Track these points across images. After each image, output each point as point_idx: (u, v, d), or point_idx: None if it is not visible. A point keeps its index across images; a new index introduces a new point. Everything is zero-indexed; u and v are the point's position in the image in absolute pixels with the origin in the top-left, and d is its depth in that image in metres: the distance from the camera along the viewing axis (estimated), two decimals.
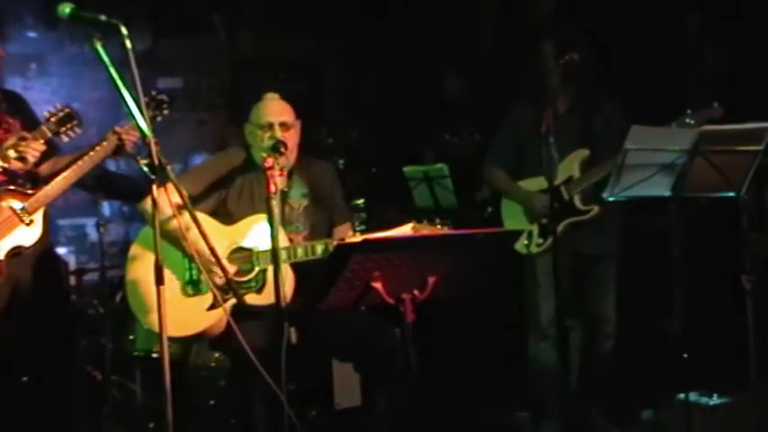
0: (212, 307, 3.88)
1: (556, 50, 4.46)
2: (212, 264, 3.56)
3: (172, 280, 3.88)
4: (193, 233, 3.32)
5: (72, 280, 5.27)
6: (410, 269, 3.26)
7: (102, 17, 3.05)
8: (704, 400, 4.15)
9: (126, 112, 3.10)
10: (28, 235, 4.05)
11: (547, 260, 4.52)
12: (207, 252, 3.41)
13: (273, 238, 3.50)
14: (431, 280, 3.30)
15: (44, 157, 4.12)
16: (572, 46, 4.36)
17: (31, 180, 4.17)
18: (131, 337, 4.98)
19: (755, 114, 3.93)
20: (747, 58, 5.57)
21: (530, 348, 4.72)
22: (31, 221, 4.04)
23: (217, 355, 4.76)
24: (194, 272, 3.94)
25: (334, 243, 3.86)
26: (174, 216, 3.27)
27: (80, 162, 4.06)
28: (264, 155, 3.79)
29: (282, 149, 3.85)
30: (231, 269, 3.84)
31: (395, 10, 7.25)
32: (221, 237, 3.90)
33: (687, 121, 4.12)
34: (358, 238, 3.75)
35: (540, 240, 4.59)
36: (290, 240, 3.98)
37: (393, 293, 3.27)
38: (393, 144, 6.91)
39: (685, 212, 4.06)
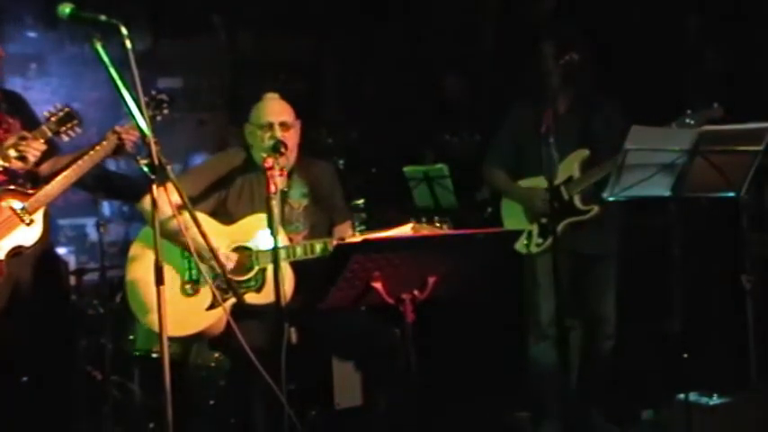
0: (212, 306, 3.88)
1: (556, 50, 4.47)
2: (212, 262, 3.56)
3: (171, 280, 3.88)
4: (193, 232, 3.33)
5: (72, 280, 5.27)
6: (410, 269, 3.26)
7: (102, 17, 3.06)
8: (704, 400, 4.15)
9: (126, 112, 3.10)
10: (28, 235, 4.05)
11: (547, 260, 4.52)
12: (207, 250, 3.42)
13: (273, 238, 3.50)
14: (431, 280, 3.30)
15: (44, 156, 4.12)
16: (572, 46, 4.36)
17: (32, 180, 4.17)
18: (131, 337, 4.99)
19: (755, 114, 3.93)
20: (747, 58, 5.57)
21: (530, 348, 4.72)
22: (32, 221, 4.04)
23: (216, 354, 4.76)
24: (194, 271, 3.95)
25: (334, 242, 3.86)
26: (173, 216, 3.27)
27: (80, 162, 4.06)
28: (264, 155, 3.79)
29: (282, 149, 3.85)
30: (233, 259, 3.85)
31: (395, 10, 7.26)
32: (221, 237, 3.90)
33: (687, 121, 4.13)
34: (358, 238, 3.76)
35: (540, 240, 4.59)
36: (290, 240, 3.98)
37: (393, 293, 3.27)
38: (393, 144, 6.91)
39: (685, 212, 4.06)
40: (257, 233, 3.93)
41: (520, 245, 4.58)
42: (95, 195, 4.94)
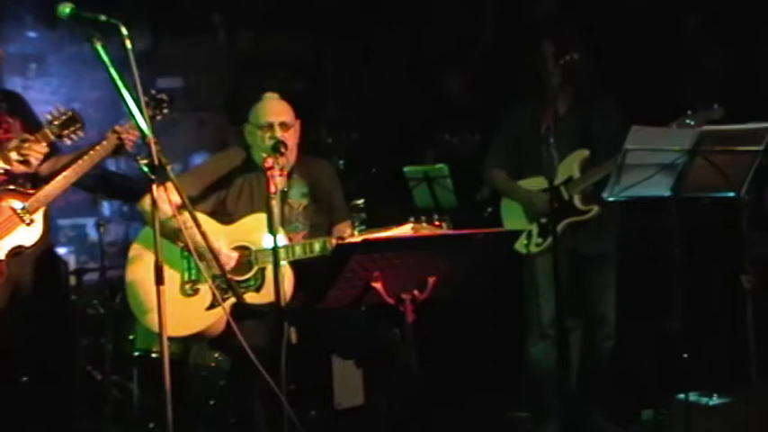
0: (211, 306, 3.88)
1: (556, 50, 4.47)
2: (211, 261, 3.57)
3: (171, 280, 3.88)
4: (193, 232, 3.33)
5: (72, 280, 5.27)
6: (410, 269, 3.26)
7: (102, 17, 3.06)
8: (704, 400, 4.14)
9: (126, 112, 3.11)
10: (28, 235, 4.05)
11: (546, 260, 4.52)
12: (207, 250, 3.42)
13: (273, 238, 3.50)
14: (431, 280, 3.30)
15: (44, 156, 4.12)
16: (572, 46, 4.36)
17: (32, 180, 4.17)
18: (131, 336, 4.99)
19: (755, 114, 3.93)
20: (747, 58, 5.57)
21: (530, 348, 4.72)
22: (32, 221, 4.04)
23: (216, 354, 4.77)
24: (194, 271, 3.94)
25: (333, 241, 3.86)
26: (173, 216, 3.27)
27: (80, 161, 4.06)
28: (265, 155, 3.79)
29: (282, 149, 3.85)
30: (234, 258, 3.85)
31: (395, 10, 7.25)
32: (220, 236, 3.90)
33: (687, 122, 4.13)
34: (358, 237, 3.76)
35: (540, 240, 4.59)
36: (290, 240, 3.98)
37: (393, 294, 3.27)
38: (393, 144, 6.91)
39: (685, 212, 4.06)
40: (256, 233, 3.93)
41: (519, 245, 4.58)
42: (95, 195, 4.94)
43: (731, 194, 3.95)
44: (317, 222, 4.16)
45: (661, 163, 3.85)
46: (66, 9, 3.10)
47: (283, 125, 4.05)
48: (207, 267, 3.70)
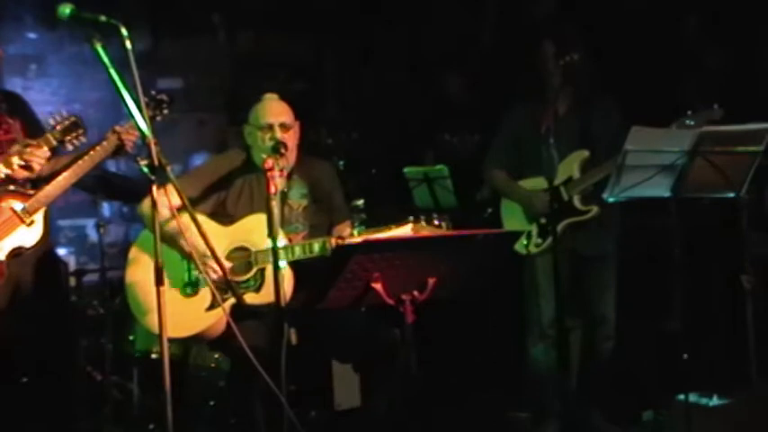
0: (211, 307, 3.88)
1: (556, 51, 4.46)
2: (211, 262, 3.57)
3: (171, 281, 3.88)
4: (192, 233, 3.33)
5: (72, 281, 5.27)
6: (410, 270, 3.26)
7: (102, 18, 3.06)
8: (704, 400, 4.15)
9: (126, 113, 3.11)
10: (29, 235, 4.05)
11: (546, 260, 4.52)
12: (205, 251, 3.42)
13: (273, 239, 3.50)
14: (431, 281, 3.30)
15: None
16: (572, 46, 4.36)
17: (32, 180, 4.17)
18: (131, 337, 4.99)
19: (755, 115, 3.93)
20: (747, 58, 5.57)
21: (530, 349, 4.72)
22: (32, 222, 4.03)
23: (216, 355, 4.77)
24: (193, 273, 3.94)
25: (333, 241, 3.85)
26: (172, 217, 3.27)
27: (80, 162, 4.05)
28: (265, 156, 3.79)
29: (282, 150, 3.86)
30: (228, 265, 3.86)
31: (395, 10, 7.25)
32: (220, 237, 3.90)
33: (687, 122, 4.13)
34: (358, 238, 3.76)
35: (539, 241, 4.59)
36: (289, 240, 3.98)
37: (393, 294, 3.27)
38: (393, 145, 6.91)
39: (685, 213, 4.06)
40: (256, 233, 3.93)
41: (519, 245, 4.58)
42: (95, 196, 4.94)
43: (731, 195, 3.95)
44: (316, 223, 4.16)
45: (661, 164, 3.85)
46: (66, 10, 3.10)
47: (283, 126, 4.05)
48: (207, 269, 3.70)
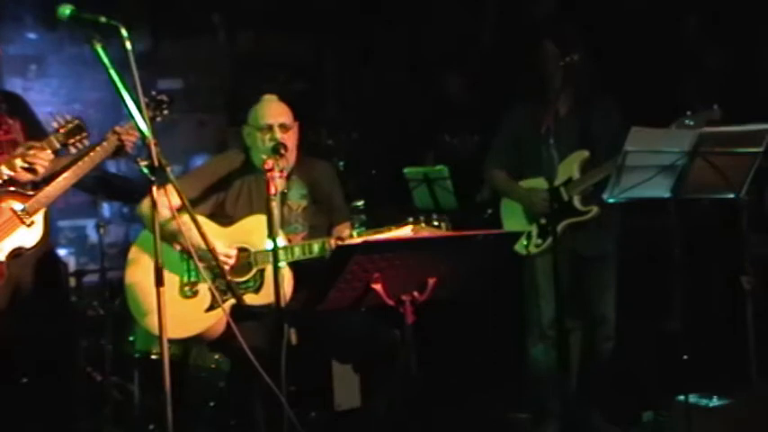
0: (211, 308, 3.88)
1: (557, 51, 4.46)
2: (211, 263, 3.57)
3: (170, 281, 3.88)
4: (192, 234, 3.33)
5: (72, 281, 5.27)
6: (410, 270, 3.26)
7: (103, 18, 3.06)
8: (704, 401, 4.15)
9: (126, 114, 3.11)
10: (29, 236, 4.04)
11: (546, 261, 4.52)
12: (205, 252, 3.43)
13: (273, 240, 3.50)
14: (431, 281, 3.30)
15: None
16: (574, 47, 4.36)
17: (32, 181, 4.17)
18: (131, 338, 4.99)
19: (755, 115, 3.93)
20: (747, 58, 5.57)
21: (530, 349, 4.72)
22: (32, 223, 4.03)
23: (216, 356, 4.77)
24: (192, 273, 3.94)
25: (332, 242, 3.85)
26: (172, 218, 3.27)
27: (80, 163, 4.05)
28: (265, 157, 3.79)
29: (282, 151, 3.86)
30: (232, 256, 3.85)
31: (395, 10, 7.25)
32: (219, 238, 3.90)
33: (687, 122, 4.12)
34: (357, 239, 3.76)
35: (539, 241, 4.59)
36: (289, 241, 3.98)
37: (393, 295, 3.27)
38: (393, 145, 6.91)
39: (685, 213, 4.06)
40: (255, 234, 3.92)
41: (519, 246, 4.58)
42: (95, 197, 4.94)
43: (731, 196, 3.95)
44: (316, 223, 4.16)
45: (661, 164, 3.85)
46: (66, 10, 3.10)
47: (283, 126, 4.05)
48: (206, 269, 3.70)
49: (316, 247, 3.88)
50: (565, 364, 4.46)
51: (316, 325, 3.80)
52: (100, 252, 5.02)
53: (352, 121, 7.29)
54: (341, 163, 6.56)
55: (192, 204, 3.40)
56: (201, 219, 3.62)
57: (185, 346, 4.76)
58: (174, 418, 3.00)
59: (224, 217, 4.05)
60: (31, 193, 4.05)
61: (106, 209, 5.84)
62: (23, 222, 4.01)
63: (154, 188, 3.06)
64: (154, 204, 3.05)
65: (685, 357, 3.98)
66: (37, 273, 4.21)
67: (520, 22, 6.73)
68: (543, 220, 4.57)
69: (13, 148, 4.09)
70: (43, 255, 4.23)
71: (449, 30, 7.14)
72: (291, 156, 4.07)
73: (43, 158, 4.00)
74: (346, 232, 3.95)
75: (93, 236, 6.39)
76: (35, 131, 4.18)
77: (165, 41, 7.13)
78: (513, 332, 4.89)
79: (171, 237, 3.74)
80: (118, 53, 3.04)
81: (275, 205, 3.53)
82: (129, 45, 3.02)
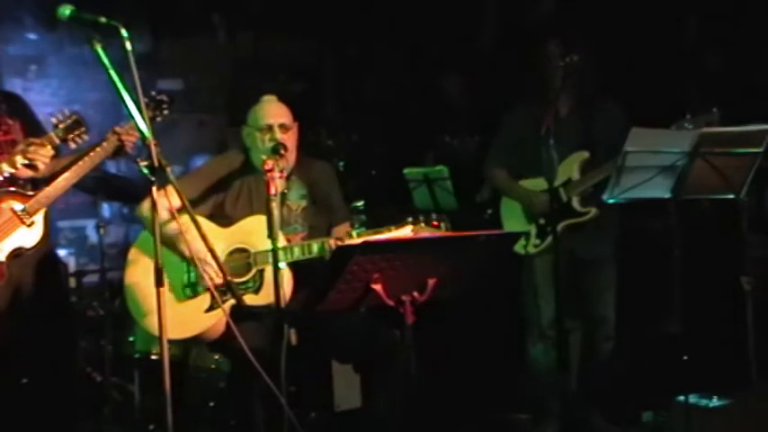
0: (210, 308, 3.88)
1: (559, 51, 4.46)
2: (210, 264, 3.57)
3: (170, 282, 3.88)
4: (191, 235, 3.33)
5: (72, 282, 5.27)
6: (410, 271, 3.26)
7: (103, 19, 3.06)
8: (704, 401, 4.15)
9: (126, 114, 3.11)
10: (29, 236, 4.05)
11: (544, 261, 4.53)
12: (204, 252, 3.43)
13: (273, 240, 3.50)
14: (431, 282, 3.30)
15: None
16: (576, 47, 4.36)
17: (32, 181, 4.17)
18: (131, 338, 4.99)
19: (755, 116, 3.93)
20: (747, 59, 5.57)
21: (529, 349, 4.72)
22: (32, 223, 4.03)
23: (216, 357, 4.77)
24: (192, 274, 3.94)
25: (331, 242, 3.85)
26: (171, 219, 3.27)
27: (80, 163, 4.06)
28: (265, 157, 3.78)
29: (282, 151, 3.85)
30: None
31: (395, 11, 7.25)
32: (219, 238, 3.89)
33: (686, 125, 4.13)
34: (357, 239, 3.76)
35: (538, 241, 4.59)
36: (288, 241, 3.98)
37: (393, 295, 3.26)
38: (393, 146, 6.91)
39: (685, 214, 4.06)
40: (255, 234, 3.92)
41: (518, 245, 4.58)
42: (95, 197, 4.94)
43: (731, 196, 3.95)
44: (315, 224, 4.16)
45: (661, 165, 3.85)
46: (66, 11, 3.10)
47: (282, 127, 4.05)
48: (206, 271, 3.70)
49: (315, 247, 3.88)
50: (565, 364, 4.46)
51: (316, 325, 3.80)
52: (100, 252, 5.01)
53: (351, 121, 7.29)
54: (341, 163, 6.57)
55: (191, 205, 3.40)
56: (201, 219, 3.62)
57: (185, 347, 4.76)
58: (174, 419, 3.00)
59: (223, 217, 4.05)
60: (31, 193, 4.05)
61: (106, 209, 5.84)
62: (23, 222, 4.01)
63: (154, 189, 3.06)
64: (154, 205, 3.05)
65: (685, 358, 3.98)
66: (37, 273, 4.22)
67: (520, 23, 6.72)
68: (542, 221, 4.57)
69: (12, 148, 4.10)
70: (43, 255, 4.23)
71: (449, 30, 7.14)
72: (291, 156, 4.07)
73: (43, 154, 4.00)
74: (345, 231, 3.95)
75: (93, 236, 6.39)
76: (35, 132, 4.18)
77: (165, 41, 7.13)
78: (512, 332, 4.89)
79: (169, 241, 3.73)
80: (118, 53, 3.04)
81: (275, 206, 3.53)
82: (128, 45, 3.02)
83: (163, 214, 3.27)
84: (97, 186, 4.71)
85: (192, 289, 3.94)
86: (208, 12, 7.35)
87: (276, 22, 7.35)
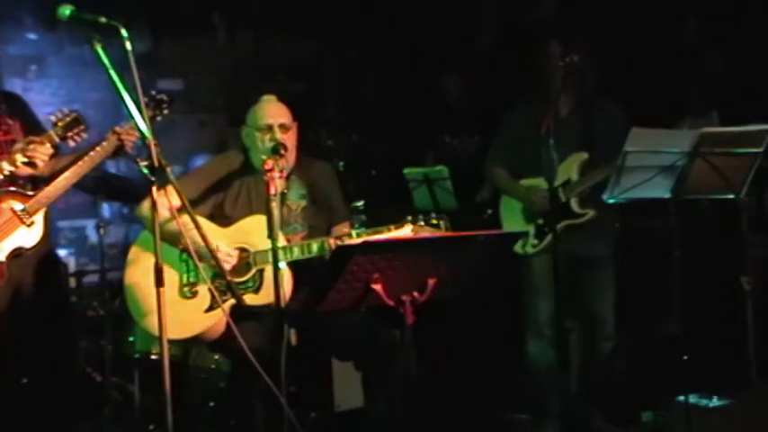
0: (210, 308, 3.88)
1: (560, 51, 4.46)
2: (211, 262, 3.57)
3: (170, 282, 3.87)
4: (192, 234, 3.33)
5: (72, 282, 5.27)
6: (410, 271, 3.26)
7: (103, 19, 3.06)
8: (704, 401, 4.15)
9: (126, 114, 3.11)
10: (29, 236, 4.05)
11: (542, 261, 4.53)
12: (206, 251, 3.43)
13: (273, 240, 3.50)
14: (431, 282, 3.30)
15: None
16: (577, 47, 4.36)
17: (32, 181, 4.17)
18: (131, 338, 4.99)
19: (755, 116, 3.93)
20: (747, 59, 5.57)
21: (528, 348, 4.72)
22: (32, 223, 4.03)
23: (216, 357, 4.77)
24: (192, 274, 3.94)
25: (331, 241, 3.85)
26: (172, 218, 3.27)
27: (80, 162, 4.06)
28: (265, 157, 3.78)
29: (282, 151, 3.85)
30: (234, 256, 3.85)
31: (395, 11, 7.25)
32: (219, 238, 3.89)
33: (686, 128, 4.13)
34: (357, 239, 3.76)
35: (536, 242, 4.60)
36: (288, 241, 3.98)
37: (393, 295, 3.26)
38: (393, 146, 6.91)
39: (685, 214, 4.06)
40: (254, 234, 3.92)
41: (516, 245, 4.58)
42: (95, 197, 4.94)
43: (731, 196, 3.95)
44: (315, 223, 4.16)
45: (661, 165, 3.85)
46: (66, 11, 3.10)
47: (282, 127, 4.05)
48: (207, 269, 3.70)
49: (315, 247, 3.88)
50: (564, 363, 4.46)
51: (316, 325, 3.80)
52: (100, 252, 5.01)
53: (351, 121, 7.29)
54: (341, 163, 6.56)
55: (191, 205, 3.40)
56: (201, 219, 3.62)
57: (185, 347, 4.76)
58: (174, 419, 3.00)
59: (223, 217, 4.05)
60: (30, 193, 4.05)
61: (106, 209, 5.84)
62: (23, 222, 4.01)
63: (154, 189, 3.06)
64: (154, 205, 3.05)
65: (685, 358, 3.98)
66: (37, 273, 4.22)
67: (520, 23, 6.72)
68: (540, 221, 4.57)
69: (12, 148, 4.09)
70: (43, 255, 4.23)
71: (449, 30, 7.14)
72: (291, 156, 4.07)
73: (43, 152, 4.00)
74: (345, 231, 3.95)
75: (93, 236, 6.39)
76: (35, 132, 4.17)
77: (165, 41, 7.13)
78: (512, 332, 4.89)
79: (171, 237, 3.73)
80: (118, 53, 3.04)
81: (275, 205, 3.53)
82: (128, 45, 3.02)
83: (163, 213, 3.27)
84: (97, 186, 4.71)
85: (191, 289, 3.94)
86: (208, 12, 7.35)
87: (276, 22, 7.35)
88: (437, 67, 6.96)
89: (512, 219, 4.73)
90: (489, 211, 5.21)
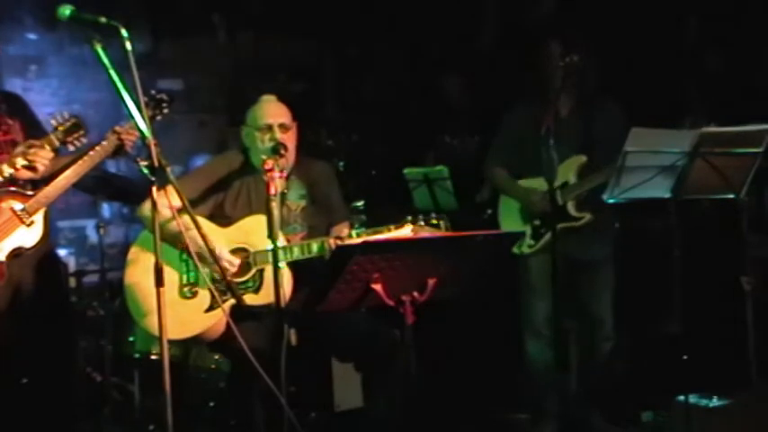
0: (210, 308, 3.88)
1: (557, 51, 4.46)
2: (211, 263, 3.57)
3: (170, 282, 3.87)
4: (192, 234, 3.33)
5: (72, 282, 5.27)
6: (410, 271, 3.26)
7: (103, 19, 3.06)
8: (704, 401, 4.14)
9: (126, 114, 3.11)
10: (29, 236, 4.05)
11: (539, 261, 4.54)
12: (206, 251, 3.43)
13: (273, 240, 3.50)
14: (430, 282, 3.30)
15: None
16: (577, 47, 4.36)
17: (31, 181, 4.17)
18: (131, 338, 4.99)
19: (755, 116, 3.93)
20: (747, 59, 5.57)
21: (526, 347, 4.72)
22: (32, 223, 4.03)
23: (216, 357, 4.77)
24: (192, 274, 3.94)
25: (331, 241, 3.85)
26: (172, 217, 3.27)
27: (80, 162, 4.05)
28: (265, 157, 3.78)
29: (282, 151, 3.85)
30: (235, 264, 3.85)
31: (395, 11, 7.25)
32: (218, 238, 3.89)
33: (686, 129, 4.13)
34: (357, 239, 3.76)
35: (532, 242, 4.60)
36: (288, 241, 3.98)
37: (393, 295, 3.26)
38: (393, 146, 6.91)
39: (685, 214, 4.06)
40: (254, 234, 3.92)
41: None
42: (95, 197, 4.94)
43: (731, 196, 3.95)
44: (315, 223, 4.16)
45: (661, 165, 3.85)
46: (66, 11, 3.10)
47: (282, 126, 4.05)
48: (206, 269, 3.70)
49: (315, 247, 3.88)
50: (563, 363, 4.46)
51: (316, 325, 3.80)
52: (100, 252, 5.02)
53: (351, 121, 7.29)
54: (341, 163, 6.56)
55: (191, 205, 3.40)
56: (201, 220, 3.62)
57: (185, 347, 4.76)
58: (174, 419, 3.00)
59: (223, 218, 4.05)
60: (30, 192, 4.05)
61: (106, 209, 5.85)
62: (23, 222, 4.01)
63: (154, 189, 3.06)
64: (154, 205, 3.05)
65: (685, 358, 3.98)
66: (37, 273, 4.21)
67: (520, 23, 6.72)
68: (537, 222, 4.57)
69: (12, 148, 4.10)
70: (43, 255, 4.23)
71: (449, 30, 7.14)
72: (291, 156, 4.07)
73: (43, 156, 4.00)
74: (345, 231, 3.95)
75: (93, 236, 6.39)
76: (35, 132, 4.18)
77: (165, 41, 7.13)
78: (512, 332, 4.89)
79: (172, 237, 3.73)
80: (118, 53, 3.04)
81: (275, 205, 3.53)
82: (129, 45, 3.02)
83: (164, 212, 3.27)
84: (97, 186, 4.71)
85: (191, 289, 3.94)
86: (208, 12, 7.35)
87: (276, 22, 7.35)
88: (437, 67, 6.95)
89: (510, 219, 4.73)
90: (489, 211, 5.21)
